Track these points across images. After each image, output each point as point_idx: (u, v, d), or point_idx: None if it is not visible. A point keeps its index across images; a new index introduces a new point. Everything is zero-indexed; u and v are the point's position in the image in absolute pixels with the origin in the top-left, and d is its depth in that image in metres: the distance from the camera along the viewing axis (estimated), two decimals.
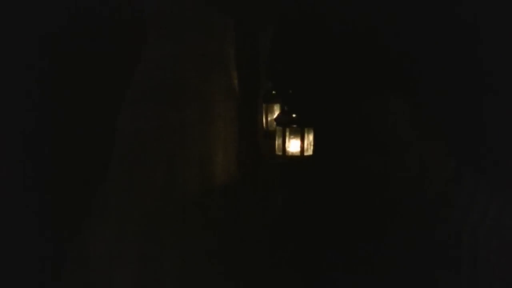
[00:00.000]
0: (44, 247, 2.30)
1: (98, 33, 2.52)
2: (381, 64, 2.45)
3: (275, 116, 2.53)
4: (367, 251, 2.28)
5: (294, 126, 2.36)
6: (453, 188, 2.25)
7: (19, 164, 2.39)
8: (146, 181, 2.18)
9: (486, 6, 2.25)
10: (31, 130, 2.44)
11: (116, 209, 2.17)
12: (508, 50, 2.24)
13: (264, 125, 2.60)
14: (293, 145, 2.37)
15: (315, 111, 2.45)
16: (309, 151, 2.38)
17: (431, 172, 2.31)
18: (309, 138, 2.38)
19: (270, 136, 2.52)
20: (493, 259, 2.22)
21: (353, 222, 2.32)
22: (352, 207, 2.36)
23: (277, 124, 2.39)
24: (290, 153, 2.37)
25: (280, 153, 2.37)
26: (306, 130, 2.37)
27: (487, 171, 2.24)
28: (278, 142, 2.38)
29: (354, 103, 2.48)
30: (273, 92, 2.58)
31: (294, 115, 2.37)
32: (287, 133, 2.37)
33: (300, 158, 2.36)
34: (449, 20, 2.32)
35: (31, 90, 2.45)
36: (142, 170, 2.18)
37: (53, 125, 2.47)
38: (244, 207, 2.33)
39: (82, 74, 2.53)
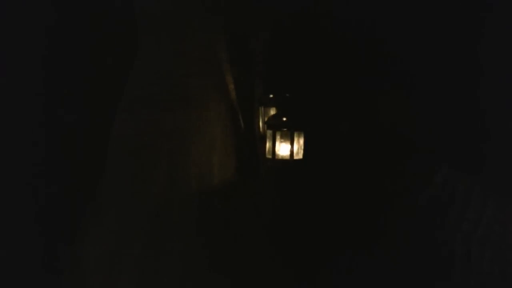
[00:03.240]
0: (40, 250, 2.39)
1: (93, 40, 2.60)
2: (378, 68, 2.41)
3: None
4: (357, 257, 2.24)
5: (284, 129, 2.35)
6: (445, 195, 2.19)
7: (15, 167, 2.50)
8: (144, 184, 2.22)
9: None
10: (28, 133, 2.54)
11: (114, 211, 2.22)
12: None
13: (261, 128, 2.60)
14: (283, 149, 2.35)
15: (308, 115, 2.43)
16: (299, 155, 2.36)
17: (424, 178, 2.25)
18: (300, 142, 2.37)
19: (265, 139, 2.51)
20: (486, 268, 2.15)
21: (344, 226, 2.29)
22: (342, 212, 2.32)
23: (267, 127, 2.38)
24: (280, 157, 2.35)
25: (270, 157, 2.36)
26: (296, 133, 2.35)
27: (481, 177, 2.17)
28: (268, 145, 2.37)
29: (349, 107, 2.45)
30: (270, 95, 2.57)
31: (284, 118, 2.36)
32: (277, 137, 2.36)
33: (290, 161, 2.34)
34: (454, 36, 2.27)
35: (28, 94, 2.56)
36: (140, 173, 2.23)
37: (49, 129, 2.56)
38: (241, 209, 2.34)
39: (78, 80, 2.62)
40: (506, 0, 2.15)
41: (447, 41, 2.23)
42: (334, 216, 2.29)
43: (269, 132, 2.37)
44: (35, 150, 2.49)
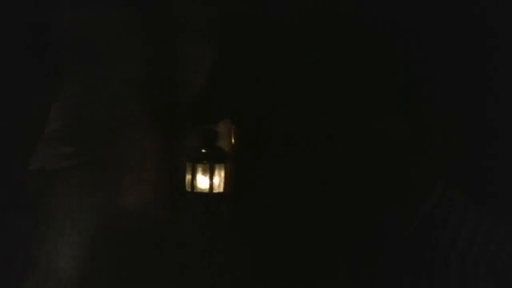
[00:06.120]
0: None
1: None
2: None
3: None
4: (348, 275, 2.16)
5: (204, 162, 2.30)
6: (440, 212, 2.12)
7: None
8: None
9: None
10: None
11: None
12: None
13: None
14: (202, 182, 2.31)
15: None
16: (220, 188, 2.32)
17: (417, 195, 2.17)
18: (221, 175, 2.32)
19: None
20: (482, 286, 2.09)
21: (336, 242, 2.19)
22: (333, 226, 2.23)
23: (187, 160, 2.33)
24: (199, 190, 2.31)
25: (189, 190, 2.31)
26: (217, 166, 2.31)
27: (476, 194, 2.11)
28: (188, 178, 2.32)
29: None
30: None
31: (203, 151, 2.31)
32: (197, 169, 2.31)
33: (209, 195, 2.30)
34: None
35: None
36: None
37: None
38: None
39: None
40: None
41: (454, 59, 2.16)
42: (324, 229, 2.19)
43: (189, 165, 2.32)
44: None
